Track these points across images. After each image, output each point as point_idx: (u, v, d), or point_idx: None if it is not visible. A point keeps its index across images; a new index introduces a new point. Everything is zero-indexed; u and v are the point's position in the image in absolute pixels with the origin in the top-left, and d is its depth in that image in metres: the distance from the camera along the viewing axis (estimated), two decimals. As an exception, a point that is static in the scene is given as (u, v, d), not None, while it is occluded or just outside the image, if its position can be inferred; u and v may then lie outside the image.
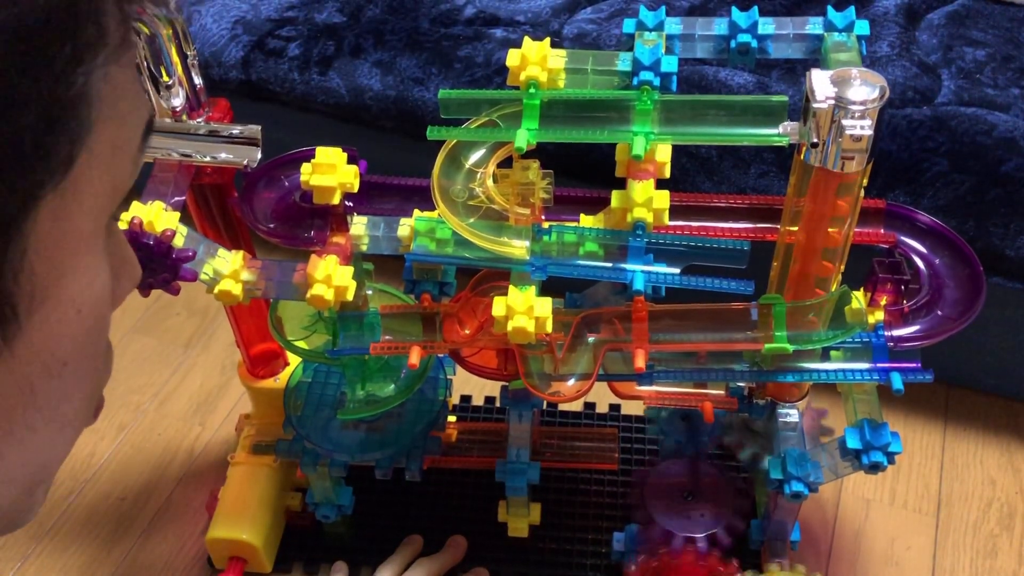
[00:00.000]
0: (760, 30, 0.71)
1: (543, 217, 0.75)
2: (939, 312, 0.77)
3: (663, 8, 0.74)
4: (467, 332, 0.78)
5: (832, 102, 0.62)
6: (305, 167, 0.72)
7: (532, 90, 0.71)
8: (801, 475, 0.79)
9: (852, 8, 0.71)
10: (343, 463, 0.91)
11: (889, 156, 0.99)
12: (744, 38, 0.71)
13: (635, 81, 0.70)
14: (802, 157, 0.66)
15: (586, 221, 0.75)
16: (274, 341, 0.89)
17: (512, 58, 0.71)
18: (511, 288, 0.70)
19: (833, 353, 0.79)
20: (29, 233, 0.30)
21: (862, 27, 0.70)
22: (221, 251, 0.74)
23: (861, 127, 0.62)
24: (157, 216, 0.70)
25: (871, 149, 0.63)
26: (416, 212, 0.78)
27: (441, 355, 0.93)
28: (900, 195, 0.99)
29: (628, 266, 0.72)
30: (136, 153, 0.34)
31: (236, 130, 0.76)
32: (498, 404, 1.11)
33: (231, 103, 0.80)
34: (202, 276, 0.73)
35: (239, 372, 0.99)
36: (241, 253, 0.75)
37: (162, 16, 0.71)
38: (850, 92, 0.62)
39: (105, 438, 1.13)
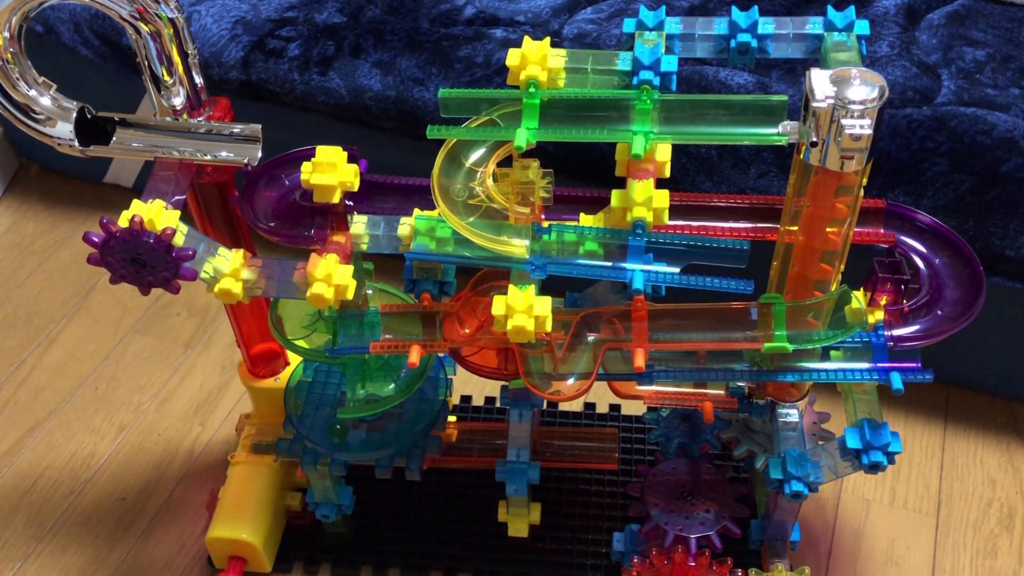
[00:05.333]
0: (760, 30, 0.71)
1: (543, 216, 0.75)
2: (939, 312, 0.77)
3: (663, 8, 0.74)
4: (467, 331, 0.78)
5: (832, 101, 0.62)
6: (305, 166, 0.72)
7: (532, 89, 0.71)
8: (801, 475, 0.79)
9: (852, 8, 0.71)
10: (343, 463, 0.91)
11: (889, 156, 0.99)
12: (744, 38, 0.71)
13: (635, 80, 0.71)
14: (802, 156, 0.66)
15: (586, 220, 0.76)
16: (274, 341, 0.89)
17: (512, 57, 0.71)
18: (511, 287, 0.70)
19: (833, 353, 0.79)
20: None
21: (862, 27, 0.70)
22: (221, 250, 0.74)
23: (860, 126, 0.62)
24: (158, 214, 0.70)
25: (870, 149, 0.63)
26: (416, 211, 0.78)
27: (441, 354, 0.93)
28: (900, 195, 0.99)
29: (628, 265, 0.72)
30: None
31: (236, 129, 0.76)
32: (498, 404, 1.11)
33: (231, 103, 0.80)
34: (202, 275, 0.73)
35: (239, 372, 0.99)
36: (241, 252, 0.75)
37: (163, 15, 0.71)
38: (850, 92, 0.62)
39: (105, 438, 1.13)
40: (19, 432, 1.14)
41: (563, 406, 1.12)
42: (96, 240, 0.70)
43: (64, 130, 0.75)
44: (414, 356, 0.76)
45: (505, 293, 0.70)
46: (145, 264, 0.71)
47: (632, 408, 1.10)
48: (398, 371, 0.87)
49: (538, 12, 1.20)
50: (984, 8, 1.16)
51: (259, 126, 0.76)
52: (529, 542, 0.98)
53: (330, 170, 0.71)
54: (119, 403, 1.17)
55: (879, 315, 0.77)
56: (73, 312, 1.29)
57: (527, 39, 0.72)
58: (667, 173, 0.73)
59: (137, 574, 1.01)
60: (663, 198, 0.72)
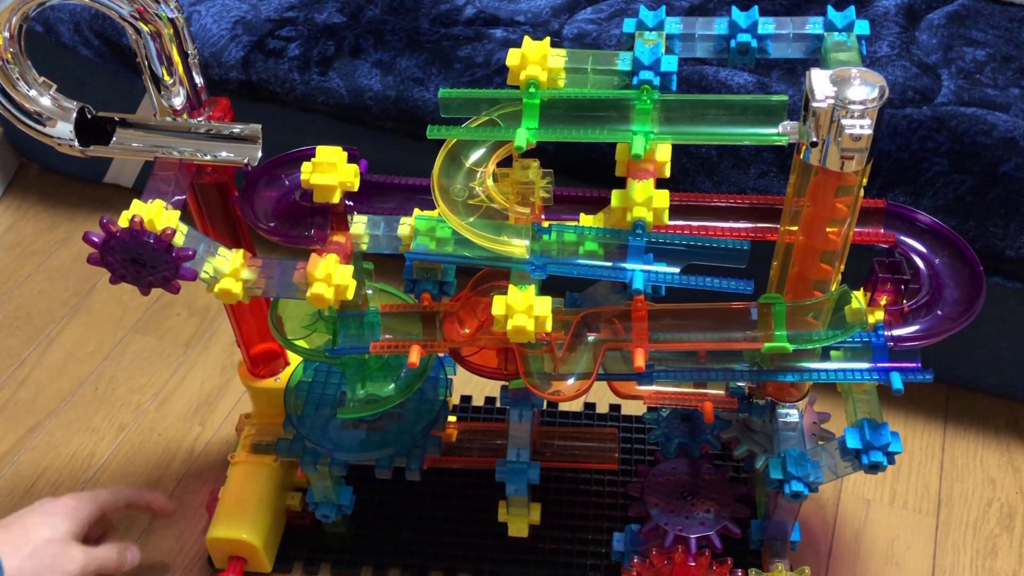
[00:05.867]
0: (760, 30, 0.71)
1: (543, 216, 0.75)
2: (939, 312, 0.77)
3: (663, 8, 0.74)
4: (467, 331, 0.78)
5: (832, 101, 0.62)
6: (305, 166, 0.72)
7: (532, 89, 0.71)
8: (801, 475, 0.79)
9: (852, 8, 0.71)
10: (343, 463, 0.91)
11: (889, 156, 0.99)
12: (744, 38, 0.71)
13: (635, 80, 0.71)
14: (802, 156, 0.66)
15: (586, 220, 0.76)
16: (274, 341, 0.89)
17: (512, 57, 0.71)
18: (511, 287, 0.70)
19: (833, 353, 0.79)
20: None
21: (862, 27, 0.70)
22: (221, 250, 0.74)
23: (860, 126, 0.62)
24: (158, 214, 0.70)
25: (871, 149, 0.63)
26: (416, 211, 0.78)
27: (441, 354, 0.93)
28: (900, 195, 0.99)
29: (628, 265, 0.72)
30: None
31: (237, 129, 0.76)
32: (498, 404, 1.11)
33: (231, 103, 0.80)
34: (202, 275, 0.73)
35: (239, 372, 0.99)
36: (241, 252, 0.75)
37: (163, 15, 0.71)
38: (850, 92, 0.62)
39: (105, 438, 1.13)
40: (19, 432, 1.14)
41: (563, 406, 1.12)
42: (96, 240, 0.70)
43: (64, 130, 0.75)
44: (414, 356, 0.76)
45: (505, 293, 0.70)
46: (145, 264, 0.71)
47: (632, 408, 1.10)
48: (398, 371, 0.87)
49: (538, 12, 1.20)
50: (984, 8, 1.16)
51: (259, 126, 0.76)
52: (529, 542, 0.98)
53: (330, 170, 0.71)
54: (119, 403, 1.17)
55: (879, 315, 0.77)
56: (73, 312, 1.29)
57: (527, 39, 0.72)
58: (667, 173, 0.73)
59: (137, 574, 1.01)
60: (663, 198, 0.72)
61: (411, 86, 1.13)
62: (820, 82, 0.63)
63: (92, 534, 0.90)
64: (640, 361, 0.73)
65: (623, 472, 1.04)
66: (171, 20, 0.72)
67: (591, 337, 0.76)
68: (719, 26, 0.72)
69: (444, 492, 1.04)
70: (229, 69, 1.18)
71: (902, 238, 0.80)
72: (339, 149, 0.72)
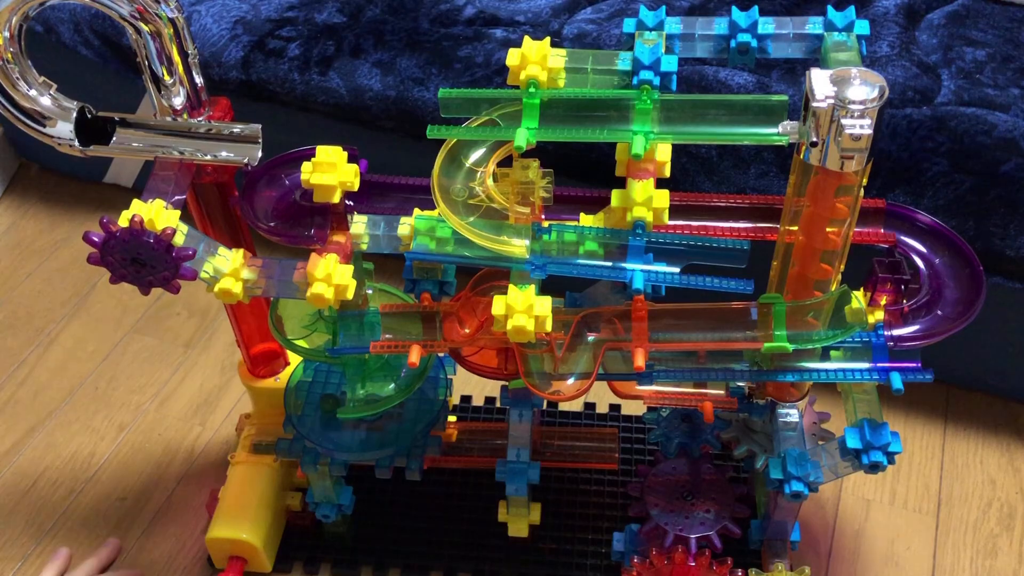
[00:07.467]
0: (760, 30, 0.71)
1: (543, 216, 0.75)
2: (939, 312, 0.77)
3: (663, 8, 0.74)
4: (467, 331, 0.78)
5: (832, 101, 0.62)
6: (305, 166, 0.72)
7: (532, 89, 0.71)
8: (801, 475, 0.79)
9: (852, 8, 0.71)
10: (343, 463, 0.91)
11: (889, 156, 0.99)
12: (744, 37, 0.71)
13: (635, 80, 0.71)
14: (802, 156, 0.66)
15: (586, 220, 0.76)
16: (274, 340, 0.89)
17: (512, 57, 0.71)
18: (511, 287, 0.70)
19: (833, 353, 0.79)
20: None
21: (862, 27, 0.70)
22: (221, 249, 0.74)
23: (860, 126, 0.62)
24: (158, 214, 0.70)
25: (871, 149, 0.63)
26: (416, 211, 0.78)
27: (441, 354, 0.93)
28: (900, 195, 0.99)
29: (628, 265, 0.72)
30: None
31: (237, 129, 0.76)
32: (498, 404, 1.11)
33: (231, 103, 0.80)
34: (202, 274, 0.73)
35: (239, 372, 0.99)
36: (241, 251, 0.75)
37: (163, 15, 0.71)
38: (850, 91, 0.62)
39: (105, 438, 1.13)
40: (19, 432, 1.14)
41: (563, 406, 1.12)
42: (96, 240, 0.70)
43: (64, 130, 0.75)
44: (414, 356, 0.76)
45: (505, 293, 0.70)
46: (145, 264, 0.71)
47: (632, 408, 1.10)
48: (398, 371, 0.87)
49: (538, 12, 1.20)
50: (984, 8, 1.16)
51: (259, 126, 0.76)
52: (529, 542, 0.98)
53: (330, 170, 0.71)
54: (119, 403, 1.17)
55: (879, 315, 0.77)
56: (73, 312, 1.29)
57: (527, 39, 0.72)
58: (667, 173, 0.73)
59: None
60: (663, 198, 0.72)
61: (411, 86, 1.13)
62: (820, 82, 0.63)
63: None
64: (640, 361, 0.73)
65: (623, 472, 1.04)
66: (171, 20, 0.72)
67: (591, 337, 0.76)
68: (719, 26, 0.72)
69: (444, 492, 1.04)
70: (229, 69, 1.18)
71: (902, 238, 0.80)
72: (339, 149, 0.72)
